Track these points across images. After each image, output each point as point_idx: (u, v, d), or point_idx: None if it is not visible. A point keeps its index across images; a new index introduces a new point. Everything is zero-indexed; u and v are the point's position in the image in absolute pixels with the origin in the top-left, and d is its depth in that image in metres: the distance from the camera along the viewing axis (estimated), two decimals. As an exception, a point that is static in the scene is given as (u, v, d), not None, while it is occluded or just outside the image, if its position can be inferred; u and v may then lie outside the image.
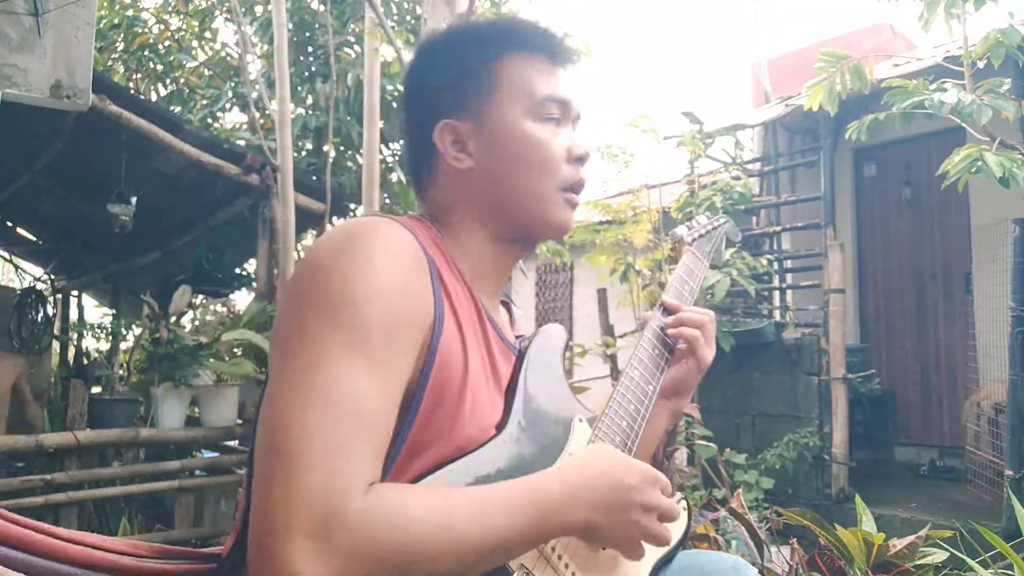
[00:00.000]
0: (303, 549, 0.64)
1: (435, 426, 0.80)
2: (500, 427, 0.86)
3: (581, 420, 0.93)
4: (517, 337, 1.03)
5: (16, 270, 7.55)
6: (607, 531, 0.81)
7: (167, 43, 6.74)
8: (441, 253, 0.90)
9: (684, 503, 1.00)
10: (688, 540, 2.40)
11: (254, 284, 4.89)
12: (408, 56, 4.65)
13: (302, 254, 6.47)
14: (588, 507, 0.79)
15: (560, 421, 0.92)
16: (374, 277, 0.77)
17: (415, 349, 0.79)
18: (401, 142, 5.92)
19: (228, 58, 7.04)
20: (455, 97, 0.94)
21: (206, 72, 7.16)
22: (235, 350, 4.17)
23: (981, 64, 2.91)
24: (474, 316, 0.90)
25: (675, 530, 0.93)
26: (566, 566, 0.84)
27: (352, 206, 6.15)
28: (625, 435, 0.94)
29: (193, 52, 7.04)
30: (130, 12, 6.57)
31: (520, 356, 0.94)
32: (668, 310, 1.09)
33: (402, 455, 0.78)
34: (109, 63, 6.65)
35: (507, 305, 1.08)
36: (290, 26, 5.38)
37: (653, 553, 0.92)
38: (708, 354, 1.07)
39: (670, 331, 1.06)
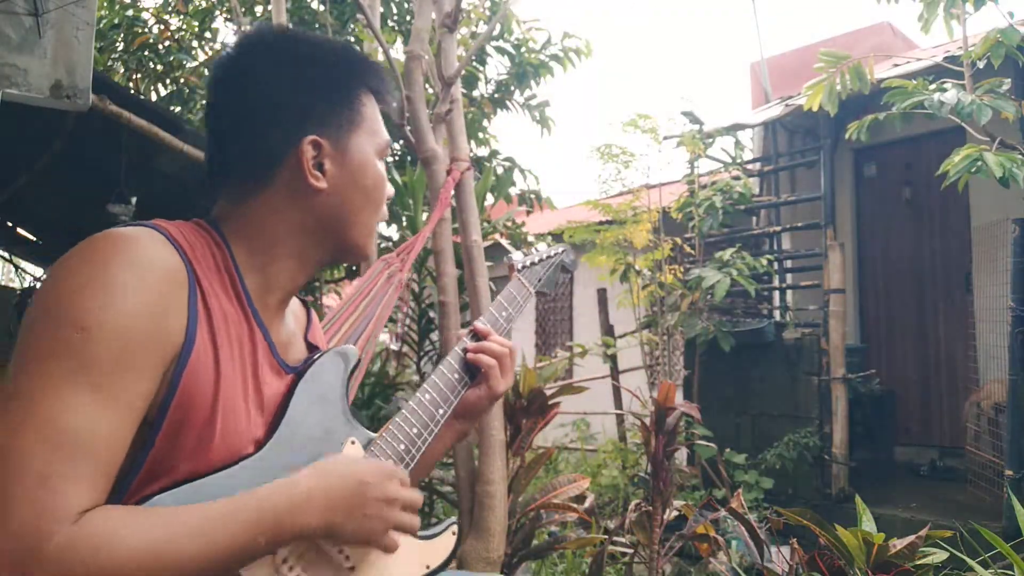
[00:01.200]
0: None
1: (180, 448, 0.79)
2: (257, 448, 0.86)
3: (353, 443, 0.94)
4: (312, 349, 1.03)
5: (16, 270, 7.55)
6: (347, 528, 0.83)
7: (167, 43, 6.74)
8: (218, 266, 0.88)
9: (454, 528, 1.04)
10: (688, 540, 2.40)
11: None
12: (399, 57, 4.66)
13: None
14: (323, 508, 0.81)
15: (326, 443, 0.92)
16: (110, 300, 0.74)
17: (155, 370, 0.77)
18: (400, 142, 5.92)
19: (228, 58, 7.01)
20: (322, 115, 0.93)
21: (206, 72, 7.16)
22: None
23: (981, 64, 2.92)
24: (242, 334, 0.88)
25: (435, 554, 1.00)
26: (290, 568, 0.84)
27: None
28: (400, 457, 0.97)
29: (193, 52, 7.04)
30: (130, 12, 6.56)
31: (297, 378, 0.93)
32: (477, 335, 1.11)
33: (142, 475, 0.78)
34: (109, 63, 6.65)
35: (308, 310, 1.09)
36: (290, 26, 5.38)
37: (409, 569, 0.96)
38: (501, 384, 1.10)
39: (468, 356, 1.09)
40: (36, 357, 0.73)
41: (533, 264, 1.27)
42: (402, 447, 0.97)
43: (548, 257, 1.31)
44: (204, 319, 0.82)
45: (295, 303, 1.06)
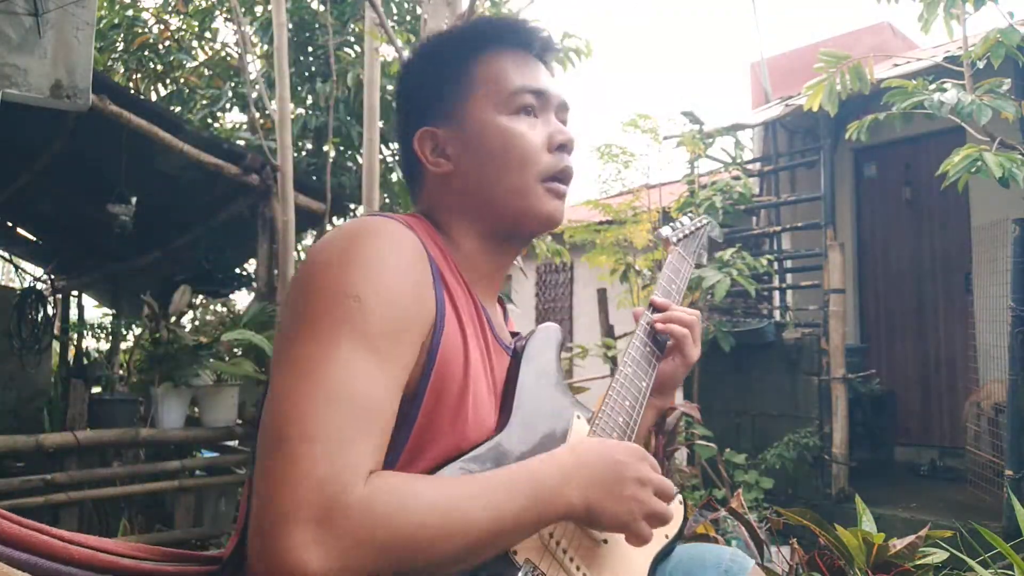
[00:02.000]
0: (305, 537, 0.65)
1: (436, 425, 0.81)
2: (499, 427, 0.86)
3: (579, 417, 0.95)
4: (513, 335, 1.03)
5: (16, 270, 7.55)
6: (607, 509, 0.81)
7: (167, 43, 6.74)
8: (441, 252, 0.90)
9: (680, 498, 1.01)
10: (688, 540, 2.40)
11: (254, 284, 4.89)
12: (408, 56, 4.65)
13: (302, 254, 6.47)
14: (584, 485, 0.80)
15: (558, 419, 0.93)
16: (379, 274, 0.78)
17: (418, 346, 0.80)
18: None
19: (228, 58, 7.04)
20: (433, 103, 0.96)
21: (206, 72, 7.16)
22: (235, 350, 4.17)
23: (981, 64, 2.91)
24: (474, 315, 0.90)
25: (671, 523, 0.94)
26: (571, 560, 0.85)
27: (352, 206, 6.15)
28: (622, 431, 0.95)
29: (193, 52, 7.04)
30: (130, 12, 6.56)
31: (517, 355, 0.95)
32: (657, 308, 1.10)
33: (404, 455, 0.79)
34: (109, 63, 6.65)
35: (502, 303, 1.09)
36: (290, 26, 5.38)
37: (652, 547, 0.93)
38: (695, 352, 1.09)
39: (659, 327, 1.07)
40: (316, 326, 0.75)
41: (685, 236, 1.27)
42: (620, 419, 0.96)
43: (697, 228, 1.31)
44: (448, 299, 0.85)
45: None
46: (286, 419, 0.71)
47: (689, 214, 1.40)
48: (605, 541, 0.89)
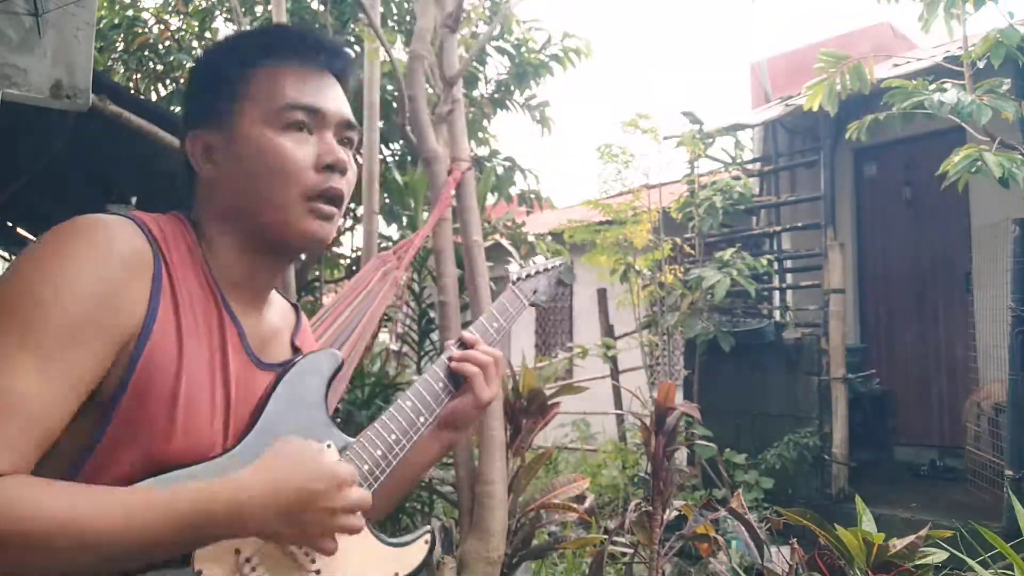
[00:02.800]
0: None
1: (134, 433, 0.80)
2: (233, 446, 0.86)
3: (329, 446, 0.93)
4: (296, 349, 1.02)
5: (16, 270, 7.54)
6: (286, 534, 0.82)
7: (167, 43, 6.73)
8: (191, 256, 0.90)
9: (427, 537, 1.04)
10: (688, 540, 2.40)
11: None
12: (401, 57, 4.65)
13: (302, 255, 6.46)
14: (262, 514, 0.79)
15: None
16: (67, 275, 0.78)
17: (105, 351, 0.79)
18: (401, 142, 5.93)
19: (228, 58, 7.01)
20: (208, 107, 0.95)
21: (206, 72, 7.14)
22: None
23: (981, 64, 2.92)
24: (211, 320, 0.89)
25: (407, 561, 1.00)
26: (252, 569, 0.84)
27: (352, 206, 6.15)
28: (376, 463, 0.96)
29: (193, 52, 7.04)
30: (130, 12, 6.56)
31: (277, 379, 0.93)
32: (464, 344, 1.10)
33: (95, 460, 0.79)
34: (109, 63, 6.65)
35: (296, 310, 1.08)
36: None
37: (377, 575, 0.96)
38: (485, 392, 1.08)
39: (452, 365, 1.07)
40: None
41: (530, 276, 1.26)
42: (379, 452, 0.97)
43: (546, 270, 1.30)
44: (169, 304, 0.84)
45: (284, 305, 1.06)
46: None
47: (545, 255, 1.41)
48: (318, 572, 0.89)
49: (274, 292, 1.03)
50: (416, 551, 1.02)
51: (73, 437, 0.78)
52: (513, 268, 1.26)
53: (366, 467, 0.95)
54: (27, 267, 0.79)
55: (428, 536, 1.04)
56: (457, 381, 1.07)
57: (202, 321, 0.87)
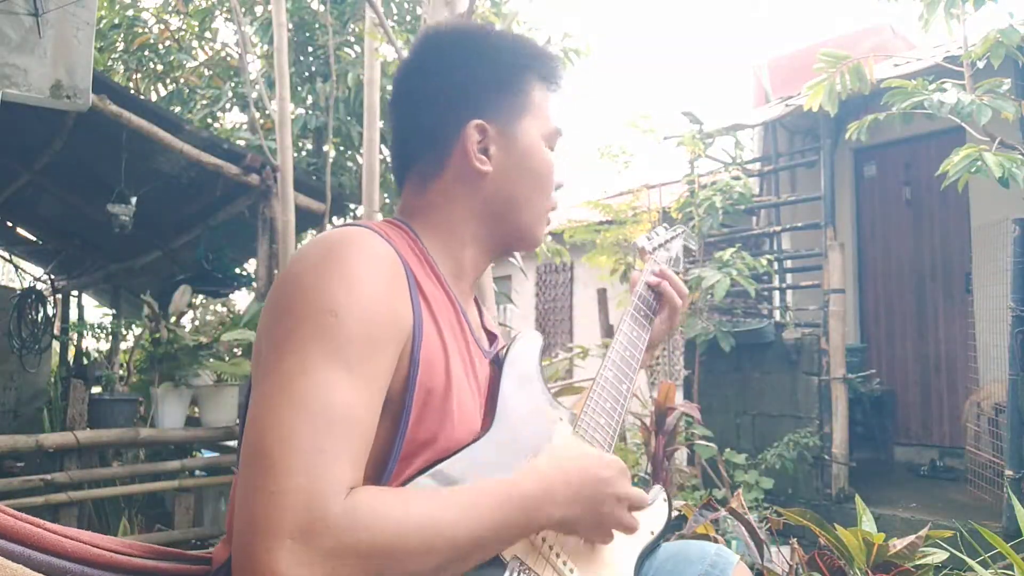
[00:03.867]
0: (287, 552, 0.65)
1: (425, 431, 0.82)
2: (483, 431, 0.89)
3: (562, 419, 0.98)
4: (488, 334, 1.06)
5: (16, 270, 7.54)
6: (583, 523, 0.86)
7: (167, 43, 6.74)
8: (418, 258, 0.92)
9: (664, 495, 1.05)
10: (686, 536, 2.40)
11: (254, 284, 4.89)
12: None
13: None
14: (566, 502, 0.83)
15: (541, 422, 0.96)
16: (353, 287, 0.79)
17: (395, 357, 0.81)
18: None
19: (228, 58, 7.04)
20: (488, 101, 0.96)
21: (206, 72, 7.16)
22: (235, 350, 4.17)
23: (981, 64, 2.92)
24: (453, 319, 0.92)
25: (656, 520, 1.01)
26: (557, 556, 0.88)
27: (352, 206, 6.15)
28: (605, 432, 1.00)
29: (193, 52, 7.04)
30: (130, 12, 6.56)
31: (499, 362, 0.98)
32: (652, 285, 1.20)
33: (402, 455, 0.80)
34: (109, 63, 6.65)
35: (476, 301, 1.12)
36: (290, 26, 5.38)
37: (637, 543, 0.98)
38: (680, 301, 1.21)
39: (651, 282, 1.20)
40: (293, 340, 0.76)
41: (660, 246, 1.34)
42: (603, 420, 1.01)
43: (671, 238, 1.37)
44: (424, 304, 0.87)
45: None
46: (265, 434, 0.71)
47: (665, 224, 1.43)
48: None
49: None
50: (660, 509, 1.04)
51: (376, 441, 0.79)
52: (641, 240, 1.33)
53: (598, 435, 0.99)
54: (308, 280, 0.79)
55: (664, 494, 1.06)
56: (651, 307, 1.18)
57: (446, 317, 0.91)
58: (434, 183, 0.97)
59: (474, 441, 0.86)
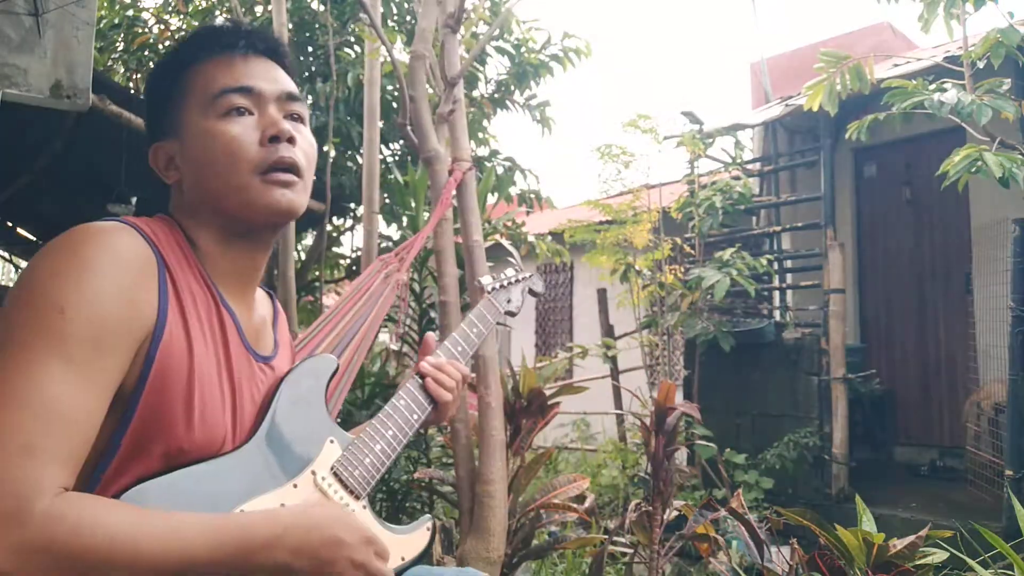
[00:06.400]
0: None
1: (157, 428, 0.83)
2: (241, 445, 0.91)
3: (332, 441, 1.01)
4: (278, 342, 1.08)
5: (16, 270, 7.55)
6: (306, 574, 0.85)
7: (167, 43, 6.73)
8: (184, 256, 0.93)
9: (429, 523, 1.11)
10: (688, 540, 2.40)
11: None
12: (402, 57, 4.65)
13: (302, 254, 6.48)
14: (291, 551, 0.82)
15: (308, 443, 0.99)
16: (87, 283, 0.79)
17: (128, 354, 0.82)
18: (401, 142, 5.93)
19: (228, 58, 7.01)
20: (160, 119, 1.00)
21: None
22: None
23: (981, 64, 2.91)
24: (211, 314, 0.93)
25: (412, 548, 1.06)
26: None
27: (352, 206, 6.15)
28: (377, 456, 1.04)
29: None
30: (130, 12, 6.56)
31: (278, 382, 1.00)
32: (422, 374, 1.17)
33: (122, 453, 0.82)
34: (109, 63, 6.65)
35: (271, 297, 1.14)
36: (290, 26, 5.38)
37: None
38: (451, 412, 1.20)
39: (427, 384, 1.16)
40: (17, 336, 0.77)
41: (503, 287, 1.39)
42: (378, 447, 1.04)
43: (517, 281, 1.43)
44: (175, 302, 0.87)
45: (262, 294, 1.11)
46: None
47: (517, 267, 1.49)
48: None
49: None
50: (419, 538, 1.08)
51: (99, 438, 0.80)
52: (486, 280, 1.38)
53: (367, 460, 1.03)
54: (43, 277, 0.80)
55: (429, 524, 1.10)
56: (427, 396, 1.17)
57: (204, 317, 0.91)
58: (169, 199, 1.01)
59: (227, 454, 0.88)
